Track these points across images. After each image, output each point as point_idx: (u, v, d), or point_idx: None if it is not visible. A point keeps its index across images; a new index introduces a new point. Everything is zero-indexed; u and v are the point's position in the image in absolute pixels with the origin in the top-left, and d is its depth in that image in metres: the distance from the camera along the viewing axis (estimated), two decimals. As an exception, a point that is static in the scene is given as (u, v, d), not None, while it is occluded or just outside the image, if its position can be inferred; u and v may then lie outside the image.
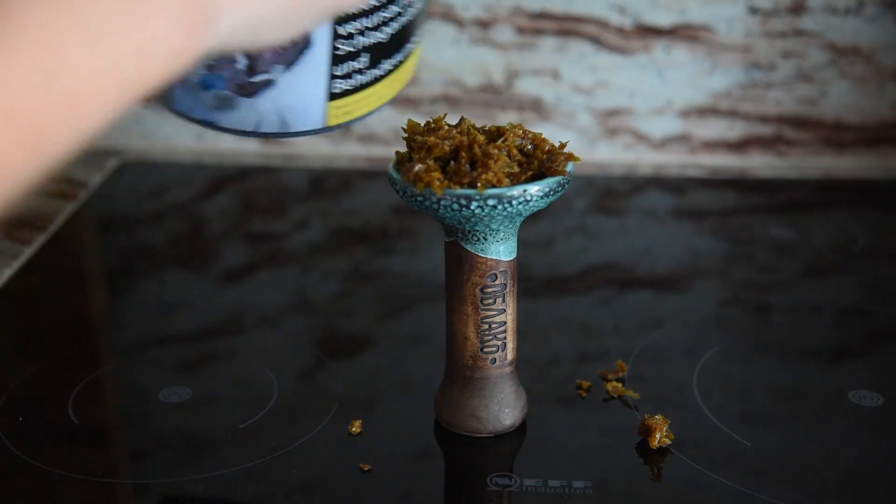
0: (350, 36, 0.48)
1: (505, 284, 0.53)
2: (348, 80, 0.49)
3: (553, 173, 0.51)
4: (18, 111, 0.29)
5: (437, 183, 0.49)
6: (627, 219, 0.88)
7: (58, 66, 0.30)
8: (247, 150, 1.00)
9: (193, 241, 0.84)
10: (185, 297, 0.75)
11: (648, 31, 0.95)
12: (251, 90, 0.47)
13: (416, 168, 0.50)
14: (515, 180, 0.50)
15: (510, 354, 0.55)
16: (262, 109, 0.48)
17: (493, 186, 0.49)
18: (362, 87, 0.50)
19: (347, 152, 1.00)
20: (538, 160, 0.51)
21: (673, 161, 0.98)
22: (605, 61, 0.96)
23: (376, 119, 0.98)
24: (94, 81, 0.31)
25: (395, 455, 0.55)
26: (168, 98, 0.49)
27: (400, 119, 0.97)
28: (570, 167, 0.52)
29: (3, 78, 0.29)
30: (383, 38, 0.49)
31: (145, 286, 0.77)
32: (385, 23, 0.49)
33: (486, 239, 0.52)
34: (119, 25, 0.32)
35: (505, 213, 0.50)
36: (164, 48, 0.34)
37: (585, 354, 0.65)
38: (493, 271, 0.53)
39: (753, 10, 0.94)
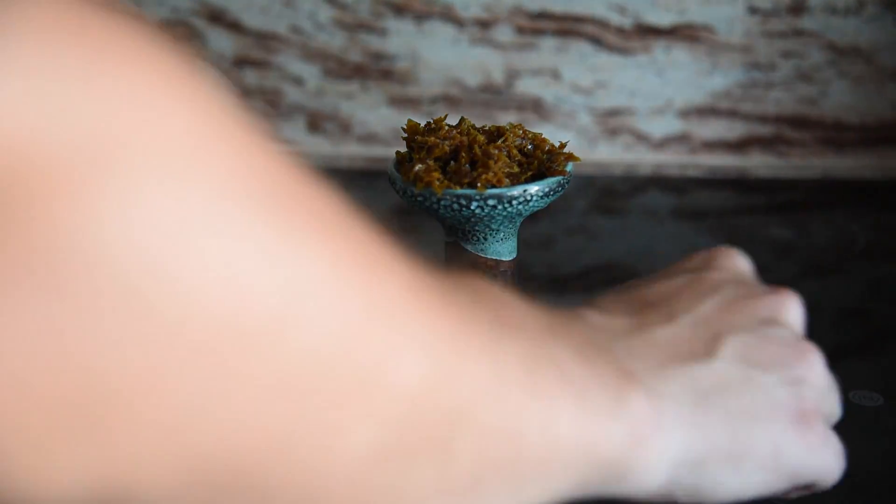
0: None
1: (505, 284, 0.53)
2: None
3: (553, 173, 0.51)
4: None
5: (437, 183, 0.49)
6: (627, 219, 0.88)
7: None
8: (247, 150, 1.00)
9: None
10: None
11: (648, 31, 0.95)
12: None
13: (416, 168, 0.50)
14: (515, 180, 0.50)
15: (510, 354, 0.55)
16: None
17: (493, 186, 0.49)
18: None
19: (347, 152, 1.00)
20: (538, 160, 0.51)
21: (673, 161, 0.98)
22: (605, 61, 0.96)
23: (376, 119, 0.99)
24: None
25: (395, 455, 0.55)
26: None
27: (400, 119, 0.97)
28: (570, 167, 0.52)
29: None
30: None
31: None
32: None
33: (486, 239, 0.52)
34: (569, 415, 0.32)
35: (505, 213, 0.50)
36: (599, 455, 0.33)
37: (585, 354, 0.65)
38: (493, 271, 0.53)
39: (753, 10, 0.94)
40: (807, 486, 0.40)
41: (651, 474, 0.35)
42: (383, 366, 0.26)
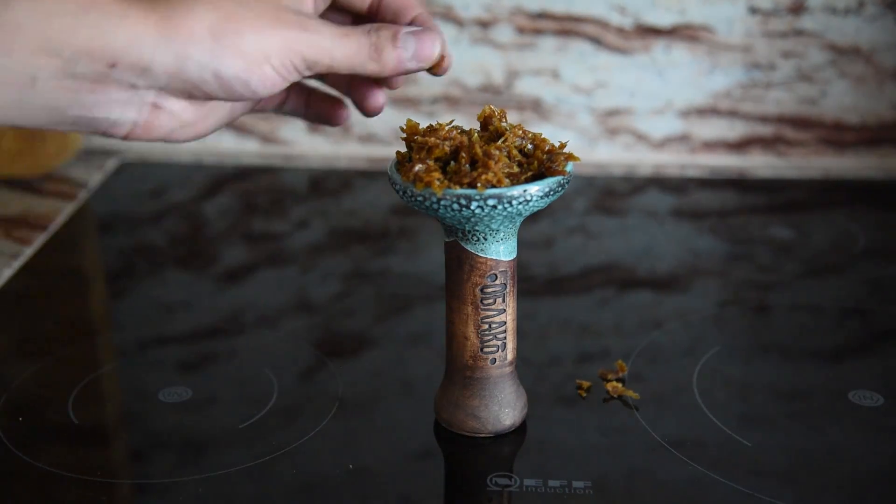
0: None
1: (505, 284, 0.53)
2: None
3: (553, 173, 0.51)
4: None
5: (437, 183, 0.49)
6: (627, 219, 0.88)
7: None
8: (247, 150, 1.00)
9: (193, 241, 0.84)
10: (185, 297, 0.75)
11: (648, 31, 0.95)
12: None
13: (416, 168, 0.50)
14: (515, 180, 0.50)
15: (510, 354, 0.55)
16: None
17: (493, 186, 0.49)
18: None
19: (347, 152, 1.00)
20: (538, 160, 0.51)
21: (673, 161, 0.98)
22: (605, 61, 0.96)
23: (376, 119, 0.98)
24: None
25: (395, 455, 0.55)
26: None
27: (400, 119, 0.97)
28: (570, 167, 0.52)
29: None
30: None
31: (145, 286, 0.77)
32: None
33: (486, 239, 0.52)
34: None
35: (505, 213, 0.50)
36: None
37: (585, 354, 0.65)
38: (493, 271, 0.53)
39: (753, 10, 0.94)
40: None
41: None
42: None
